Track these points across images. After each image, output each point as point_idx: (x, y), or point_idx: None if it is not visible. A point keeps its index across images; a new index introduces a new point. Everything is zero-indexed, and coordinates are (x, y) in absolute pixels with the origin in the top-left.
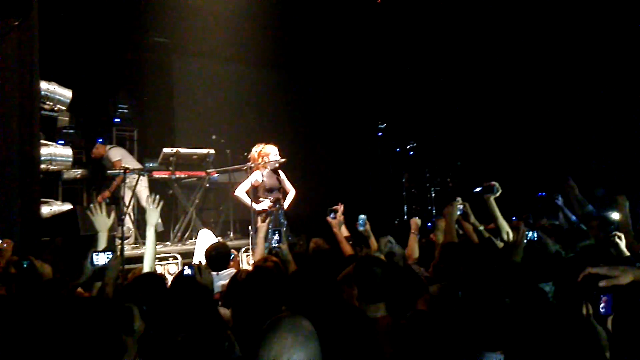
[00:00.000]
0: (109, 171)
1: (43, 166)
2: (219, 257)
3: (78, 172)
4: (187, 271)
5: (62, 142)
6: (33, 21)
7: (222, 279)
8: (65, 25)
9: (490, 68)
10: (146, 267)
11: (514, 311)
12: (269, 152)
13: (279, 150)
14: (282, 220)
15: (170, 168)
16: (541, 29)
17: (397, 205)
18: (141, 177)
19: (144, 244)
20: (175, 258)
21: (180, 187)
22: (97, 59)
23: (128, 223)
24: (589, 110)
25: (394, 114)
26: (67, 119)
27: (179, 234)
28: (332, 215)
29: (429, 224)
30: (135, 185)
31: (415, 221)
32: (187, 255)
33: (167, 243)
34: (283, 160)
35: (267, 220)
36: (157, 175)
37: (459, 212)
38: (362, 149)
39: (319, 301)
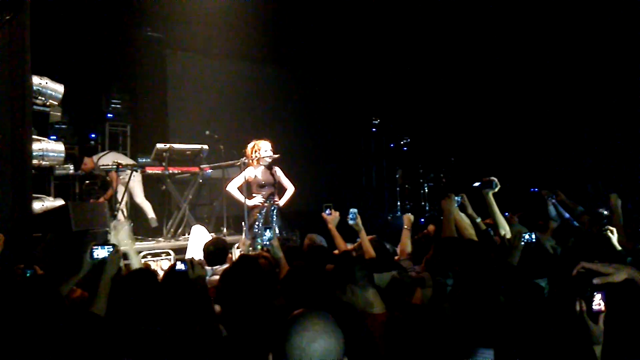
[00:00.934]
0: (102, 166)
1: (35, 162)
2: (217, 252)
3: (70, 168)
4: (180, 266)
5: (54, 137)
6: (25, 15)
7: (218, 274)
8: (57, 19)
9: (483, 64)
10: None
11: (509, 308)
12: (261, 148)
13: (272, 146)
14: (274, 217)
15: (164, 163)
16: (536, 25)
17: (390, 200)
18: (134, 173)
19: (137, 239)
20: (168, 254)
21: (174, 182)
22: (90, 53)
23: (121, 219)
24: (582, 106)
25: (388, 110)
26: (59, 114)
27: (172, 230)
28: (327, 211)
29: (422, 220)
30: (128, 181)
31: (409, 217)
32: (180, 251)
33: (160, 239)
34: (276, 155)
35: (255, 213)
36: (150, 170)
37: (456, 205)
38: (356, 145)
39: (316, 297)
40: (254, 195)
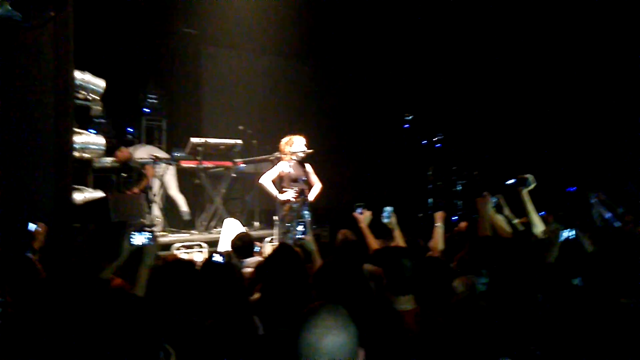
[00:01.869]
0: (139, 159)
1: (76, 154)
2: (244, 246)
3: (108, 161)
4: (217, 257)
5: (94, 131)
6: (68, 12)
7: (250, 266)
8: (98, 16)
9: (522, 59)
10: None
11: (546, 308)
12: (295, 143)
13: (306, 142)
14: (305, 212)
15: (198, 158)
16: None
17: (422, 198)
18: (169, 166)
19: (171, 231)
20: (200, 246)
21: (207, 176)
22: (127, 49)
23: (156, 211)
24: (624, 102)
25: (421, 106)
26: (99, 108)
27: (205, 223)
28: (358, 210)
29: (454, 218)
30: (163, 175)
31: (441, 214)
32: (213, 243)
33: (194, 231)
34: (310, 151)
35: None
36: (184, 164)
37: (492, 205)
38: (388, 141)
39: (349, 292)
40: (285, 190)
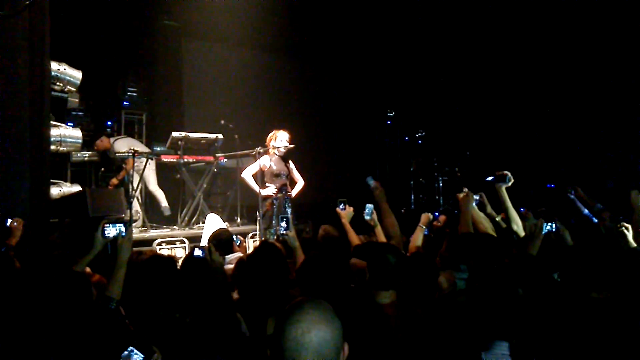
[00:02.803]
0: (117, 154)
1: (53, 147)
2: (221, 242)
3: (86, 154)
4: (198, 252)
5: (72, 124)
6: (44, 1)
7: (232, 262)
8: (75, 6)
9: (503, 57)
10: None
11: (526, 301)
12: (278, 137)
13: (289, 137)
14: (287, 207)
15: (179, 152)
16: (554, 18)
17: (404, 194)
18: (149, 161)
19: (151, 227)
20: (182, 242)
21: (188, 171)
22: (107, 41)
23: (136, 206)
24: (602, 101)
25: (404, 103)
26: (76, 100)
27: (186, 218)
28: (341, 206)
29: (436, 214)
30: (144, 169)
31: (427, 216)
32: (194, 239)
33: (175, 227)
34: (292, 146)
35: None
36: (165, 159)
37: (475, 203)
38: (371, 137)
39: (332, 286)
40: (267, 185)
